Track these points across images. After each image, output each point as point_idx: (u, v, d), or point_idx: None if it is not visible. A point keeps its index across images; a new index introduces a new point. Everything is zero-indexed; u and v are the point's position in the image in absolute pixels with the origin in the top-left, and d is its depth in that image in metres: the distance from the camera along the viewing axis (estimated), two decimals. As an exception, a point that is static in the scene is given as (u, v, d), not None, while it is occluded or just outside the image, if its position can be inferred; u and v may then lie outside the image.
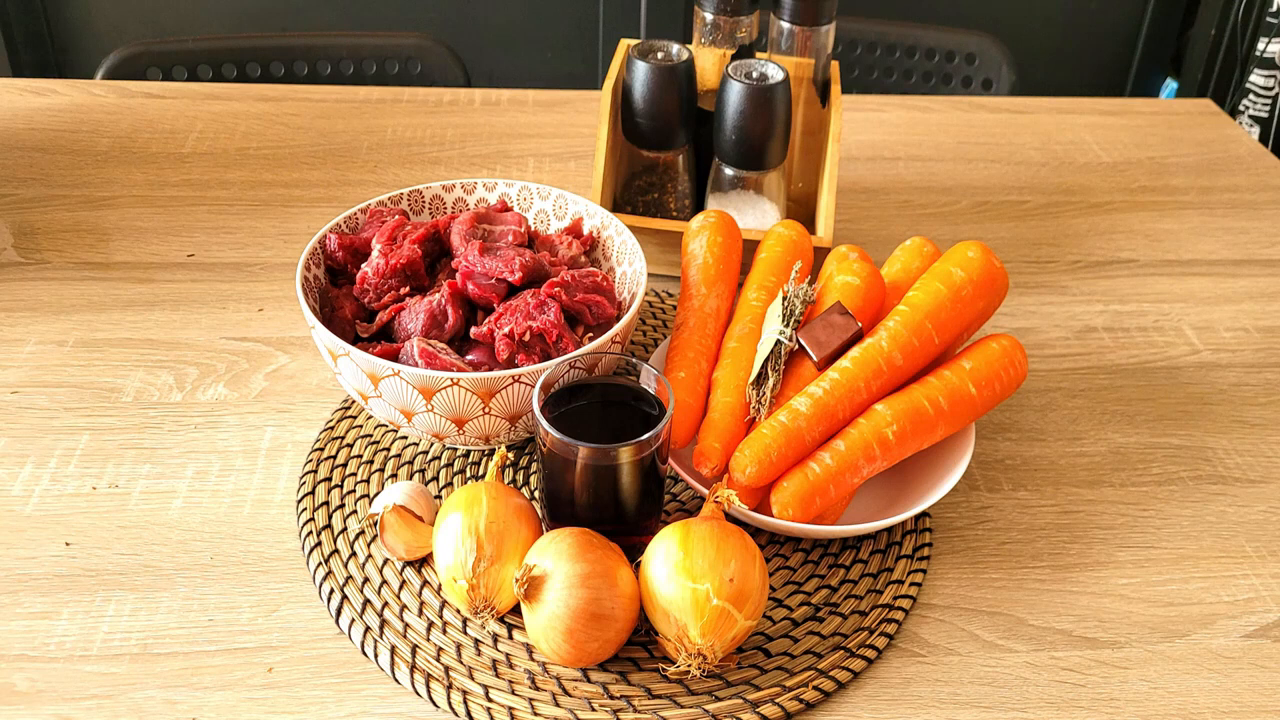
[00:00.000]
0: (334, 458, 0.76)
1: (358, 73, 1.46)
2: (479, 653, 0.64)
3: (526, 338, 0.71)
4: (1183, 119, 1.29)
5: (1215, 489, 0.78)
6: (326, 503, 0.72)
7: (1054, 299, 0.97)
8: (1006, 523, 0.74)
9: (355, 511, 0.72)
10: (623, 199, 0.99)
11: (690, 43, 0.95)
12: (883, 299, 0.76)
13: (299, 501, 0.73)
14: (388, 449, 0.77)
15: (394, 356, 0.71)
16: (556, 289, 0.74)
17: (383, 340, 0.75)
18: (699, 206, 1.00)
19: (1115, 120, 1.28)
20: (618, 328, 0.71)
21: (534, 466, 0.76)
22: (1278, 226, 1.09)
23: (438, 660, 0.63)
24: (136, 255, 0.97)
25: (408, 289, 0.76)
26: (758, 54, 0.97)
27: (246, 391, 0.82)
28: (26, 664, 0.62)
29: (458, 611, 0.66)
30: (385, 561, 0.69)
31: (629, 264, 0.80)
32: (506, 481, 0.75)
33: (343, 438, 0.77)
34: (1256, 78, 2.16)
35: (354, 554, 0.69)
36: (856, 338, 0.72)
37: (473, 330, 0.73)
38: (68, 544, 0.69)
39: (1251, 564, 0.72)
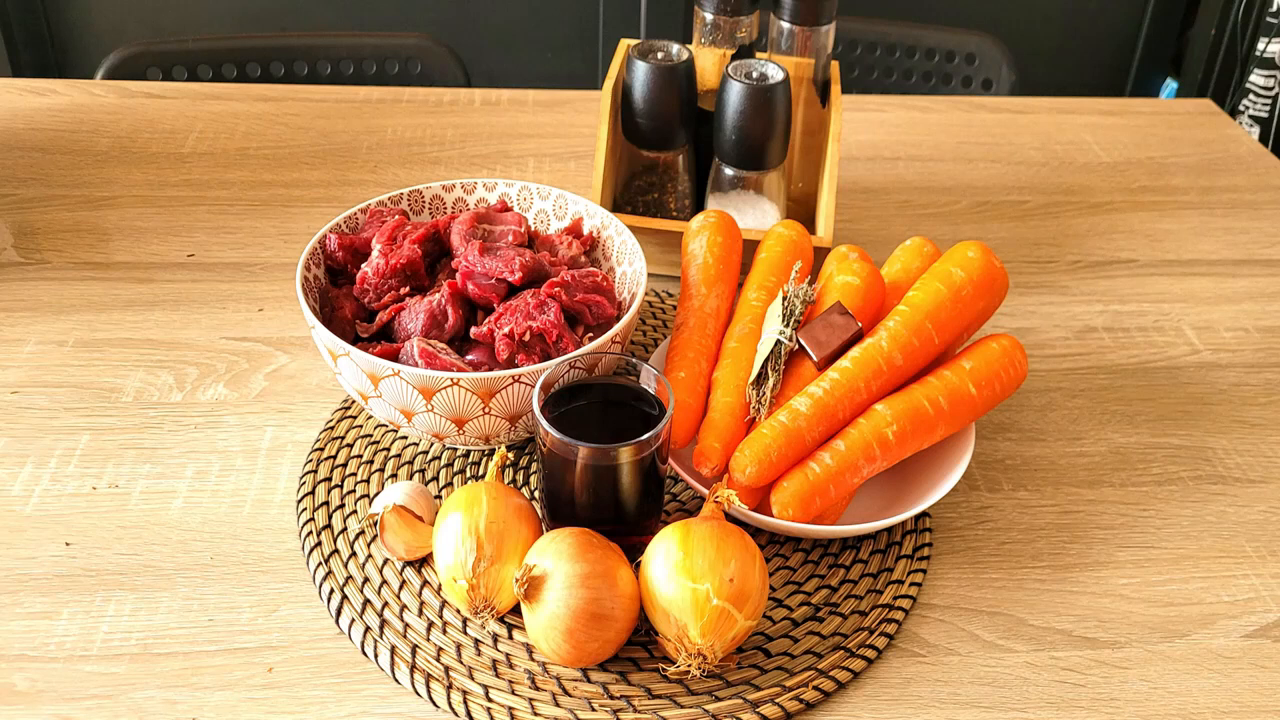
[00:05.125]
0: (334, 458, 0.76)
1: (358, 73, 1.46)
2: (479, 653, 0.64)
3: (526, 338, 0.71)
4: (1183, 119, 1.29)
5: (1215, 489, 0.78)
6: (326, 503, 0.72)
7: (1054, 299, 0.97)
8: (1006, 523, 0.74)
9: (355, 511, 0.72)
10: (623, 199, 0.99)
11: (690, 43, 0.95)
12: (883, 299, 0.76)
13: (299, 501, 0.73)
14: (388, 449, 0.77)
15: (394, 356, 0.71)
16: (556, 289, 0.74)
17: (383, 340, 0.75)
18: (699, 206, 1.00)
19: (1115, 120, 1.28)
20: (618, 328, 0.71)
21: (534, 466, 0.76)
22: (1278, 226, 1.09)
23: (438, 660, 0.63)
24: (136, 255, 0.97)
25: (408, 289, 0.76)
26: (758, 54, 0.97)
27: (246, 391, 0.82)
28: (26, 664, 0.62)
29: (458, 611, 0.66)
30: (385, 561, 0.69)
31: (629, 264, 0.80)
32: (506, 481, 0.75)
33: (343, 438, 0.77)
34: (1256, 78, 2.16)
35: (354, 554, 0.69)
36: (856, 338, 0.72)
37: (473, 330, 0.73)
38: (68, 544, 0.69)
39: (1251, 564, 0.72)
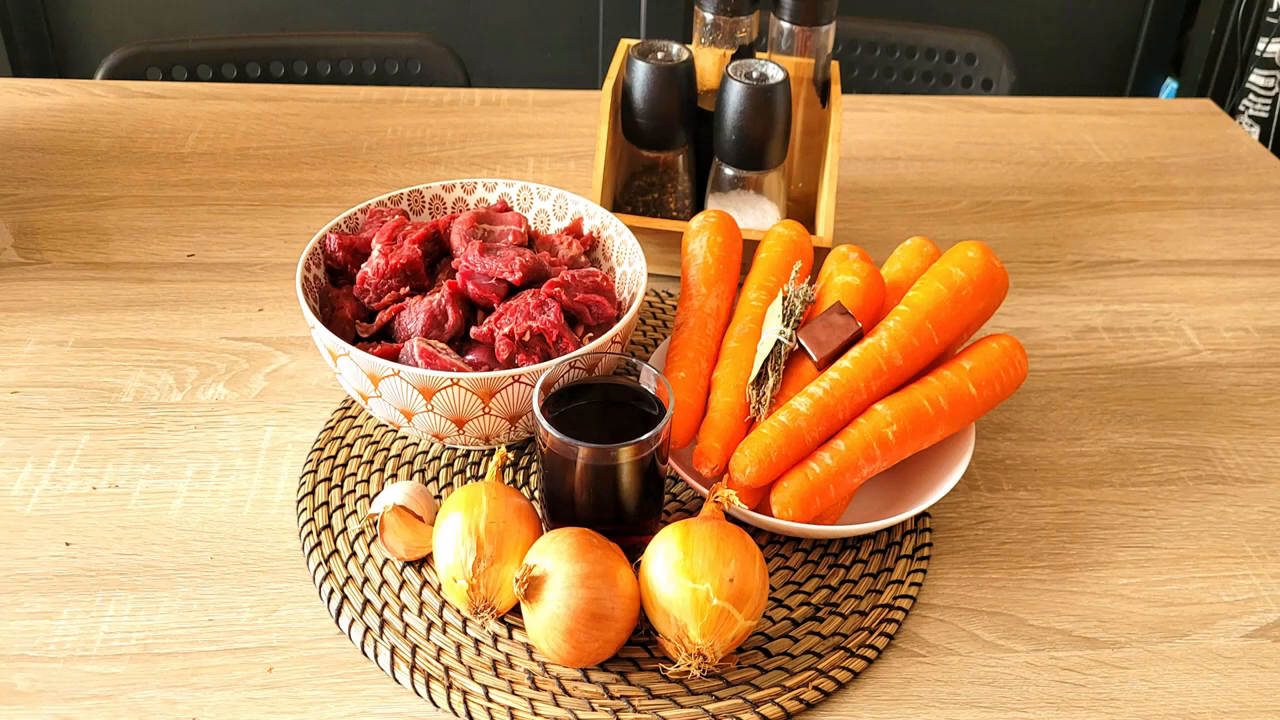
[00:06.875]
0: (334, 458, 0.76)
1: (358, 73, 1.46)
2: (479, 653, 0.64)
3: (526, 338, 0.71)
4: (1183, 119, 1.29)
5: (1215, 489, 0.78)
6: (326, 503, 0.72)
7: (1054, 299, 0.97)
8: (1006, 523, 0.74)
9: (355, 511, 0.72)
10: (623, 199, 0.99)
11: (690, 43, 0.95)
12: (883, 299, 0.76)
13: (299, 501, 0.73)
14: (388, 449, 0.77)
15: (394, 356, 0.71)
16: (556, 289, 0.74)
17: (383, 340, 0.75)
18: (699, 206, 1.00)
19: (1115, 120, 1.28)
20: (618, 328, 0.71)
21: (534, 466, 0.76)
22: (1278, 226, 1.09)
23: (438, 660, 0.63)
24: (136, 255, 0.97)
25: (408, 289, 0.76)
26: (758, 54, 0.97)
27: (246, 391, 0.82)
28: (26, 664, 0.62)
29: (458, 611, 0.66)
30: (385, 561, 0.69)
31: (629, 264, 0.80)
32: (506, 481, 0.75)
33: (343, 438, 0.77)
34: (1256, 78, 2.16)
35: (354, 554, 0.69)
36: (856, 338, 0.72)
37: (473, 330, 0.73)
38: (68, 544, 0.69)
39: (1251, 564, 0.72)
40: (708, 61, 0.95)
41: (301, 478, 0.74)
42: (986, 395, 0.72)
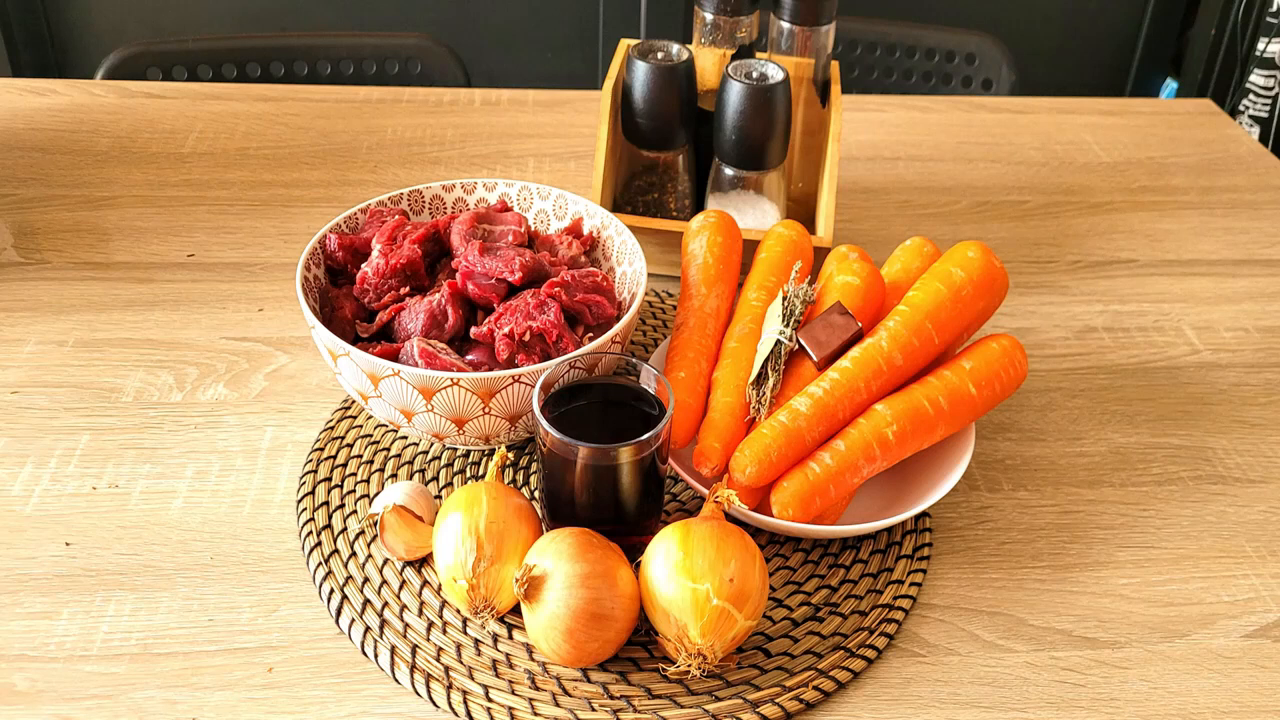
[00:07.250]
0: (334, 458, 0.76)
1: (358, 73, 1.46)
2: (479, 653, 0.64)
3: (526, 338, 0.71)
4: (1183, 119, 1.29)
5: (1215, 489, 0.78)
6: (326, 503, 0.72)
7: (1054, 299, 0.97)
8: (1006, 523, 0.74)
9: (355, 511, 0.72)
10: (623, 199, 0.99)
11: (690, 43, 0.95)
12: (883, 299, 0.76)
13: (299, 501, 0.73)
14: (388, 449, 0.77)
15: (394, 356, 0.71)
16: (556, 289, 0.74)
17: (383, 340, 0.75)
18: (699, 206, 1.00)
19: (1115, 120, 1.28)
20: (618, 328, 0.71)
21: (534, 466, 0.76)
22: (1278, 226, 1.09)
23: (438, 660, 0.63)
24: (136, 255, 0.97)
25: (408, 289, 0.76)
26: (758, 54, 0.97)
27: (246, 391, 0.82)
28: (26, 664, 0.62)
29: (458, 611, 0.66)
30: (385, 561, 0.69)
31: (629, 264, 0.80)
32: (506, 481, 0.75)
33: (343, 438, 0.77)
34: (1256, 78, 2.16)
35: (354, 554, 0.69)
36: (856, 338, 0.72)
37: (473, 330, 0.73)
38: (68, 544, 0.69)
39: (1251, 564, 0.72)
40: (708, 61, 0.95)
41: (301, 478, 0.74)
42: (986, 395, 0.72)
